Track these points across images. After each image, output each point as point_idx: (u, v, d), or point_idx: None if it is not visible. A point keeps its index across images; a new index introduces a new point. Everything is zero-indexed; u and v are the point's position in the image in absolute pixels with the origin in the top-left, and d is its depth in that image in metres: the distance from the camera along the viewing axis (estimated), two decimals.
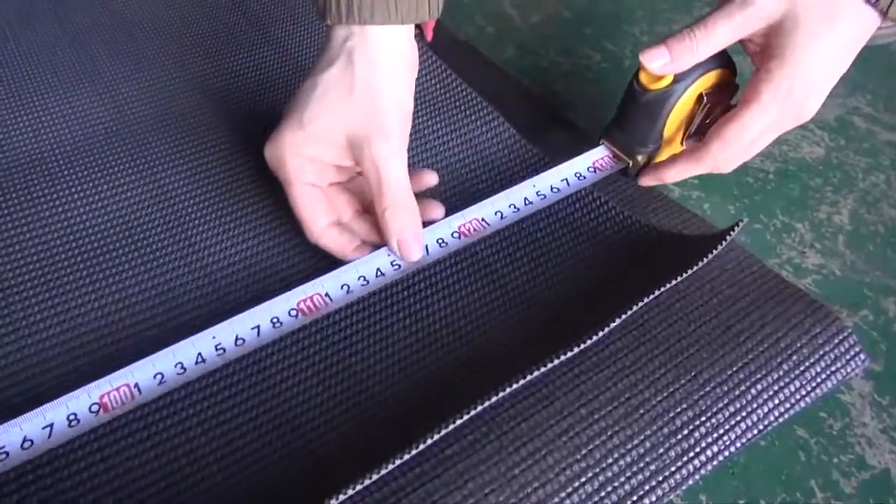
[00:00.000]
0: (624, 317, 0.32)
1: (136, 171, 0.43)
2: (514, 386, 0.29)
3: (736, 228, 0.35)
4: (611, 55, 0.56)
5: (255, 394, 0.34)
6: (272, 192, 0.40)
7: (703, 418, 0.33)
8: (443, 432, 0.28)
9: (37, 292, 0.37)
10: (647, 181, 0.43)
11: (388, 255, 0.37)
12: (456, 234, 0.39)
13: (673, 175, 0.42)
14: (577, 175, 0.42)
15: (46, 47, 0.51)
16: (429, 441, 0.28)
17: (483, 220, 0.40)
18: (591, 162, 0.43)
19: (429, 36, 0.46)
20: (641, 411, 0.32)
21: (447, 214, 0.40)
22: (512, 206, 0.40)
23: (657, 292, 0.33)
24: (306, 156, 0.36)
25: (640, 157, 0.42)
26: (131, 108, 0.47)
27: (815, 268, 0.41)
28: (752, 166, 0.47)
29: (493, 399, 0.29)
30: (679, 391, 0.33)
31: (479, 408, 0.29)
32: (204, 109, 0.48)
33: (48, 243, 0.39)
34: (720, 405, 0.33)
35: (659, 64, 0.38)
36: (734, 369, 0.34)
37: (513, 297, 0.38)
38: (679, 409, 0.33)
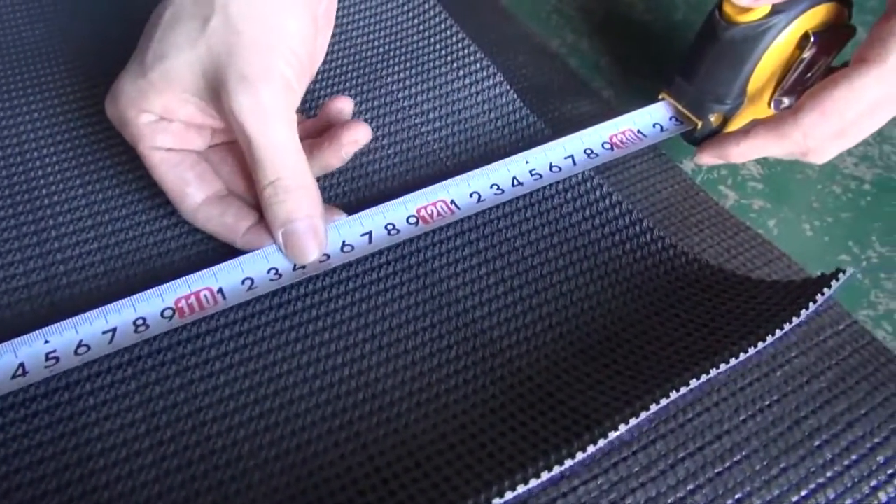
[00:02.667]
0: (642, 417, 0.20)
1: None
2: None
3: (834, 283, 0.22)
4: (659, 5, 0.43)
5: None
6: None
7: None
8: None
9: None
10: (706, 158, 0.31)
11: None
12: (413, 219, 0.27)
13: (742, 152, 0.30)
14: (588, 152, 0.30)
15: None
16: None
17: (453, 202, 0.28)
18: (608, 136, 0.31)
19: None
20: None
21: (411, 190, 0.29)
22: (495, 187, 0.29)
23: (706, 376, 0.21)
24: (155, 112, 0.26)
25: (713, 118, 0.31)
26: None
27: None
28: (843, 171, 0.34)
29: None
30: None
31: None
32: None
33: None
34: None
35: None
36: (802, 494, 0.22)
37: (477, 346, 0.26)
38: None
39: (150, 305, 0.25)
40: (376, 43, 0.38)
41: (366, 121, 0.34)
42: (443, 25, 0.38)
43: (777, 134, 0.29)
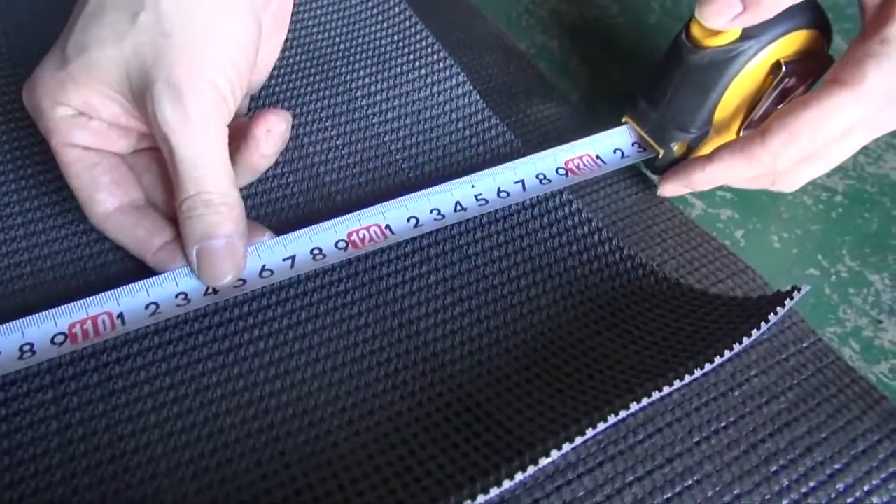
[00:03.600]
0: (586, 437, 0.19)
1: None
2: None
3: (788, 301, 0.21)
4: (631, 7, 0.42)
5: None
6: None
7: None
8: None
9: None
10: (669, 188, 0.30)
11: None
12: (343, 244, 0.26)
13: (708, 178, 0.28)
14: (540, 177, 0.29)
15: None
16: None
17: (388, 227, 0.26)
18: (563, 162, 0.29)
19: None
20: None
21: (359, 206, 0.27)
22: (435, 212, 0.27)
23: (648, 399, 0.19)
24: (73, 106, 0.24)
25: (675, 146, 0.30)
26: None
27: None
28: (815, 181, 0.33)
29: None
30: None
31: None
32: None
33: None
34: None
35: (725, 18, 0.25)
36: None
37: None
38: None
39: (41, 330, 0.23)
40: (337, 38, 0.37)
41: (322, 119, 0.33)
42: (407, 23, 0.37)
43: (744, 157, 0.27)
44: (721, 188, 0.33)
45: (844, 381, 0.25)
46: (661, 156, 0.30)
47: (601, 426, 0.18)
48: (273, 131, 0.25)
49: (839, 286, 0.29)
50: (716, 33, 0.26)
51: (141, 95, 0.23)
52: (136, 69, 0.23)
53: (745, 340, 0.20)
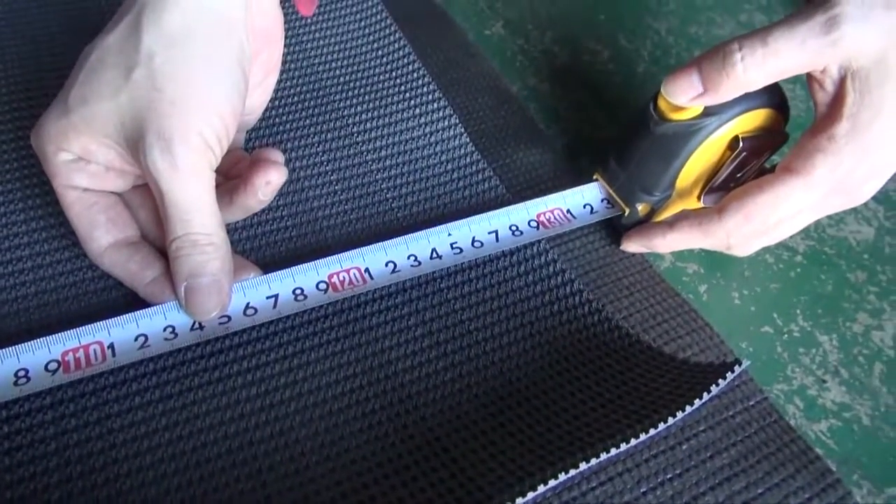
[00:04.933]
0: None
1: None
2: None
3: (729, 374, 0.23)
4: (623, 53, 0.44)
5: None
6: None
7: None
8: None
9: None
10: (631, 246, 0.33)
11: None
12: (323, 286, 0.28)
13: (668, 244, 0.32)
14: (513, 228, 0.31)
15: None
16: None
17: (367, 270, 0.28)
18: (535, 215, 0.32)
19: (306, 9, 0.33)
20: None
21: (347, 245, 0.29)
22: (412, 258, 0.29)
23: (596, 459, 0.21)
24: (74, 151, 0.26)
25: (640, 207, 0.32)
26: None
27: (836, 408, 0.30)
28: None
29: None
30: None
31: None
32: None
33: None
34: None
35: (687, 98, 0.28)
36: None
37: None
38: None
39: (36, 357, 0.24)
40: (337, 71, 0.38)
41: (319, 153, 0.35)
42: (405, 60, 0.39)
43: (701, 231, 0.30)
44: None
45: (784, 439, 0.27)
46: (626, 214, 0.32)
47: (552, 482, 0.20)
48: (272, 183, 0.27)
49: (790, 345, 0.32)
50: (680, 108, 0.29)
51: (134, 144, 0.25)
52: (130, 120, 0.25)
53: (688, 408, 0.22)
